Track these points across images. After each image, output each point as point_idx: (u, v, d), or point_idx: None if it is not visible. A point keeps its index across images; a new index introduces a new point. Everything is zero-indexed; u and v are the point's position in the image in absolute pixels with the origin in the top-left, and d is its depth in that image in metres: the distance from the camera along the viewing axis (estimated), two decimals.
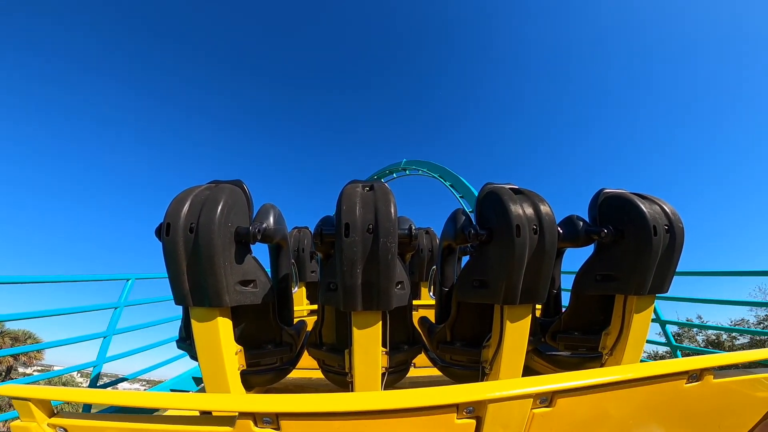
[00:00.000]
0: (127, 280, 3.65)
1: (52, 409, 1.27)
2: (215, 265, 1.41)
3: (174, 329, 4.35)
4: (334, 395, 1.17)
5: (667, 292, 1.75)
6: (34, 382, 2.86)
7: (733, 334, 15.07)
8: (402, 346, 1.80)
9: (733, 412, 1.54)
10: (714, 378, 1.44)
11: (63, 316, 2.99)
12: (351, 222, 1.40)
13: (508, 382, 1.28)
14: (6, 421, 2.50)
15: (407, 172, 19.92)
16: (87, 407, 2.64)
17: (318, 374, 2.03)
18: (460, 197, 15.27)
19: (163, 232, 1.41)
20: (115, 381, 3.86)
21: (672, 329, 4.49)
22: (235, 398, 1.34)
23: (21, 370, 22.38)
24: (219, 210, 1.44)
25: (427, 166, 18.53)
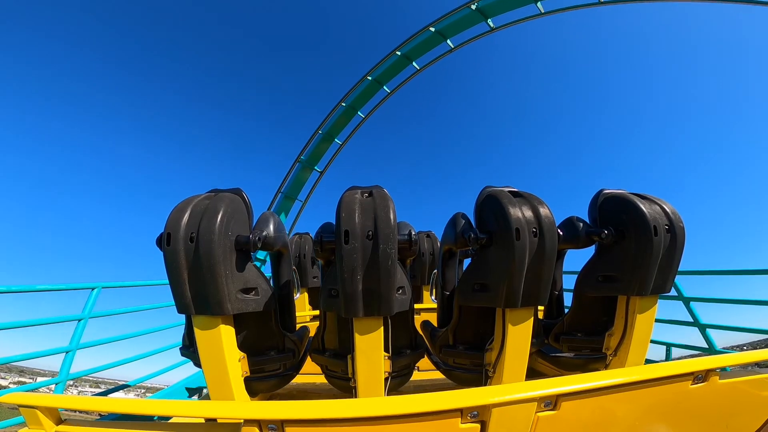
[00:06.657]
0: (92, 289, 3.08)
1: (59, 417, 1.28)
2: (216, 274, 1.42)
3: (174, 335, 4.32)
4: (339, 402, 1.18)
5: (669, 291, 1.75)
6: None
7: None
8: (404, 350, 1.81)
9: (740, 413, 1.54)
10: (720, 379, 1.44)
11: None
12: (350, 229, 1.41)
13: (512, 386, 1.28)
14: (8, 428, 2.47)
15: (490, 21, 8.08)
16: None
17: (321, 379, 2.03)
18: None
19: (164, 241, 1.42)
20: (115, 388, 3.84)
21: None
22: (241, 405, 1.34)
23: None
24: (219, 219, 1.45)
25: None
